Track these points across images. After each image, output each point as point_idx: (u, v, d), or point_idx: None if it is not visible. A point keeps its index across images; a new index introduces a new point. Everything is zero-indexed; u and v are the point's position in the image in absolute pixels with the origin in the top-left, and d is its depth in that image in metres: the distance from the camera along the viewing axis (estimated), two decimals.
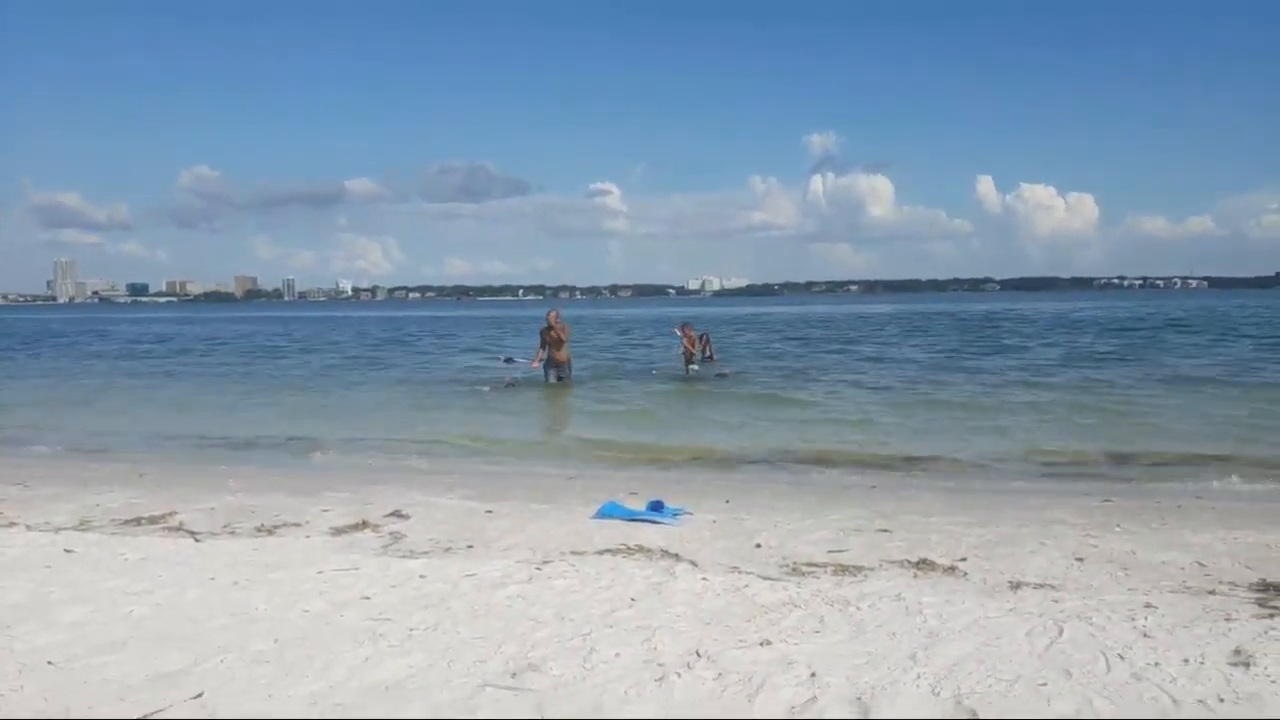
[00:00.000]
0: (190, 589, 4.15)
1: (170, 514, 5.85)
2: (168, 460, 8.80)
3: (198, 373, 19.91)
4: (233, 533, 5.40)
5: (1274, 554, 4.71)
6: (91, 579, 4.31)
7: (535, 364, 14.72)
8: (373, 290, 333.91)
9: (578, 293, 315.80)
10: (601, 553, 4.79)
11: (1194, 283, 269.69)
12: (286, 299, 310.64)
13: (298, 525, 5.58)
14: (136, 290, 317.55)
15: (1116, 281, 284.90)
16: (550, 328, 14.59)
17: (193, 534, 5.35)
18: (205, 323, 58.40)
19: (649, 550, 4.83)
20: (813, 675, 3.09)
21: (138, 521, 5.67)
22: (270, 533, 5.39)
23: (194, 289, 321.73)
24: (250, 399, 14.49)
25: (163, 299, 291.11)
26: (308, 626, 3.64)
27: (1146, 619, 3.61)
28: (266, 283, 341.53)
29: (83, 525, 5.57)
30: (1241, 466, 7.79)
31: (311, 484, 7.16)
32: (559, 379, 14.57)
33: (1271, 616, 3.62)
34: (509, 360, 16.45)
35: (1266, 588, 4.04)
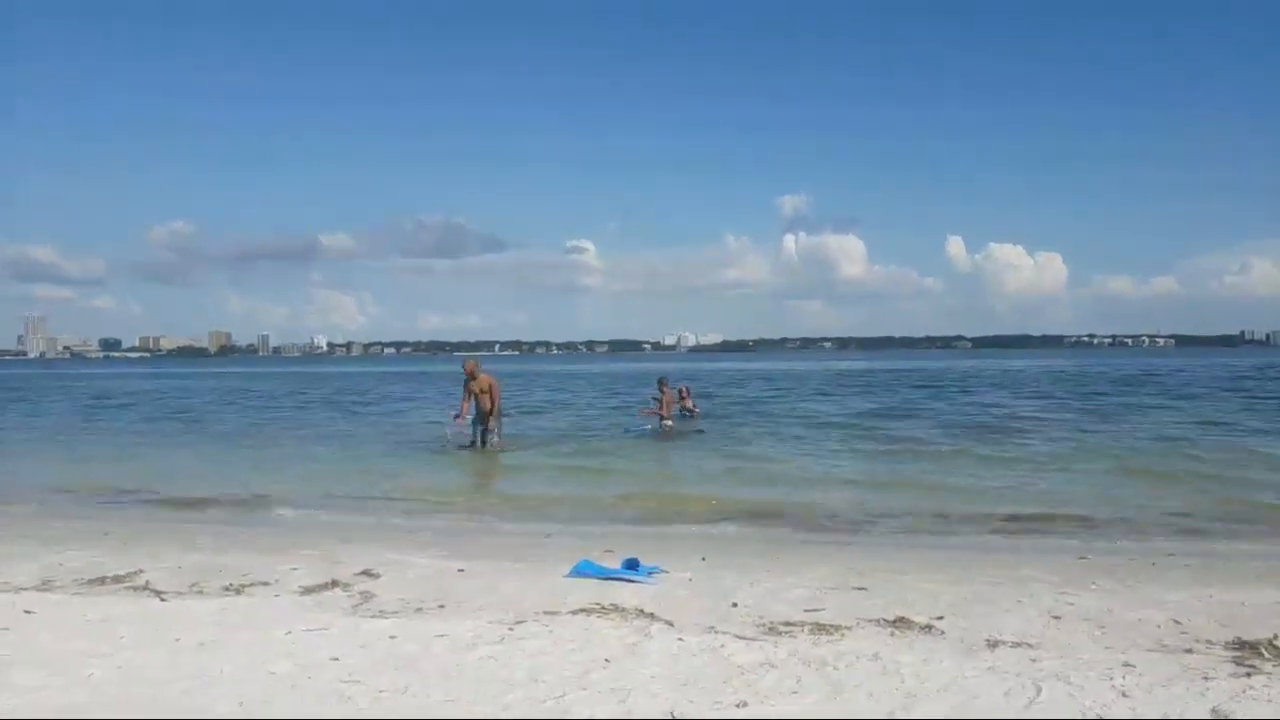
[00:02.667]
0: (154, 651, 4.04)
1: (136, 572, 5.71)
2: (133, 518, 8.62)
3: (160, 428, 19.62)
4: (200, 592, 5.28)
5: (1248, 611, 4.73)
6: (51, 641, 4.19)
7: (460, 420, 13.13)
8: (348, 345, 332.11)
9: (554, 348, 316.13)
10: (575, 612, 4.72)
11: (1161, 340, 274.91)
12: (261, 354, 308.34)
13: (266, 584, 5.46)
14: (109, 345, 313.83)
15: (1087, 339, 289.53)
16: (471, 378, 12.88)
17: (158, 593, 5.22)
18: (172, 377, 57.75)
19: (624, 610, 4.77)
20: None
21: (102, 581, 5.52)
22: (239, 592, 5.27)
23: (167, 344, 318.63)
24: (210, 454, 14.29)
25: (135, 354, 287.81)
26: (274, 689, 3.54)
27: (1125, 678, 3.60)
28: (241, 338, 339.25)
29: (45, 585, 5.42)
30: (1213, 523, 7.87)
31: (281, 541, 7.03)
32: (484, 442, 12.90)
33: (1249, 675, 3.63)
34: (457, 416, 14.39)
35: (1242, 646, 4.05)
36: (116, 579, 5.56)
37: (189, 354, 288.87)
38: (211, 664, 3.85)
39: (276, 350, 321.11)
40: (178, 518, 8.70)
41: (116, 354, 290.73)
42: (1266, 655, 3.90)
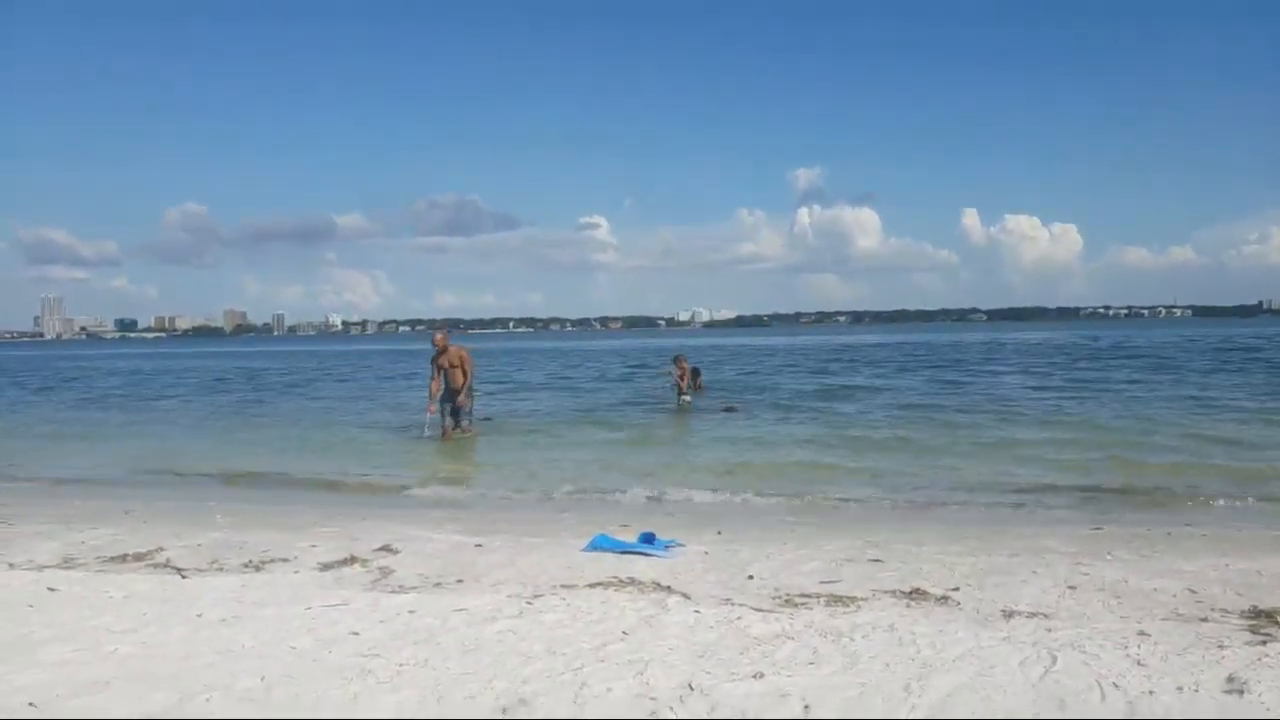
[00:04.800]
0: (176, 627, 4.10)
1: (156, 550, 5.79)
2: (153, 496, 8.72)
3: (172, 409, 19.80)
4: (220, 569, 5.34)
5: (1264, 580, 4.71)
6: (75, 617, 4.25)
7: (433, 407, 12.01)
8: (363, 324, 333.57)
9: (568, 324, 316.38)
10: (593, 586, 4.76)
11: (1178, 311, 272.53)
12: (276, 333, 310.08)
13: (286, 561, 5.52)
14: (124, 326, 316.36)
15: (1102, 310, 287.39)
16: (441, 352, 11.74)
17: (179, 570, 5.29)
18: (186, 357, 58.20)
19: (641, 583, 4.80)
20: (806, 707, 3.06)
21: (123, 559, 5.59)
22: (258, 569, 5.33)
23: (183, 324, 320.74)
24: (226, 433, 14.41)
25: (151, 335, 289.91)
26: (295, 664, 3.59)
27: (1140, 647, 3.60)
28: (256, 317, 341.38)
29: (67, 563, 5.50)
30: (1230, 493, 7.82)
31: (300, 519, 7.09)
32: (455, 425, 11.77)
33: (1264, 643, 3.62)
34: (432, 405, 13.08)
35: (1258, 614, 4.04)
36: (138, 556, 5.64)
37: (204, 333, 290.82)
38: (233, 639, 3.91)
39: (292, 329, 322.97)
40: (197, 495, 8.78)
41: (133, 334, 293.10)
42: None
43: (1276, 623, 3.91)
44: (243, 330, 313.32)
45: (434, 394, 11.97)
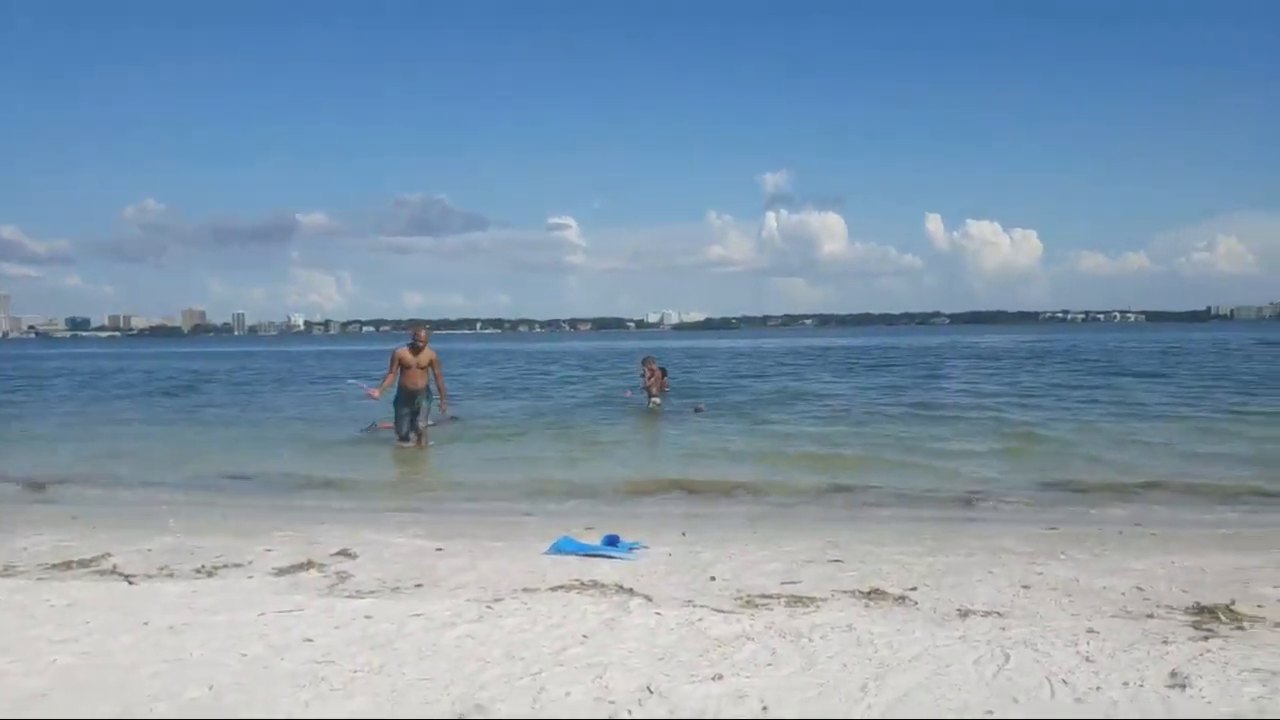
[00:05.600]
0: (121, 635, 3.99)
1: (103, 556, 5.63)
2: (101, 500, 8.52)
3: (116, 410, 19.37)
4: (170, 575, 5.22)
5: (1208, 578, 4.82)
6: (13, 627, 4.13)
7: (377, 393, 11.35)
8: (325, 324, 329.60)
9: (537, 326, 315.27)
10: (554, 589, 4.73)
11: (1132, 316, 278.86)
12: (237, 333, 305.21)
13: (240, 566, 5.42)
14: (76, 325, 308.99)
15: (1061, 315, 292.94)
16: (416, 350, 11.03)
17: (127, 577, 5.16)
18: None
19: (603, 586, 4.78)
20: (764, 708, 3.06)
21: (67, 565, 5.44)
22: (210, 574, 5.23)
23: (139, 323, 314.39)
24: (181, 436, 14.14)
25: (105, 334, 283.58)
26: (246, 671, 3.52)
27: (1089, 644, 3.65)
28: (216, 317, 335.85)
29: (6, 571, 5.33)
30: (1176, 493, 8.01)
31: (256, 524, 6.97)
32: (416, 434, 11.11)
33: (1206, 639, 3.70)
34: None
35: (1201, 610, 4.12)
36: (83, 563, 5.49)
37: (162, 333, 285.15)
38: (181, 647, 3.82)
39: (253, 329, 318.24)
40: (148, 500, 8.60)
41: (85, 333, 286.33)
42: (1224, 619, 3.98)
43: (1219, 619, 4.00)
44: (201, 330, 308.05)
45: (386, 384, 11.23)
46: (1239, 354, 35.04)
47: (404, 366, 11.03)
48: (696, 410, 15.33)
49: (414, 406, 11.12)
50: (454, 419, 13.63)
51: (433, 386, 11.33)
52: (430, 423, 11.53)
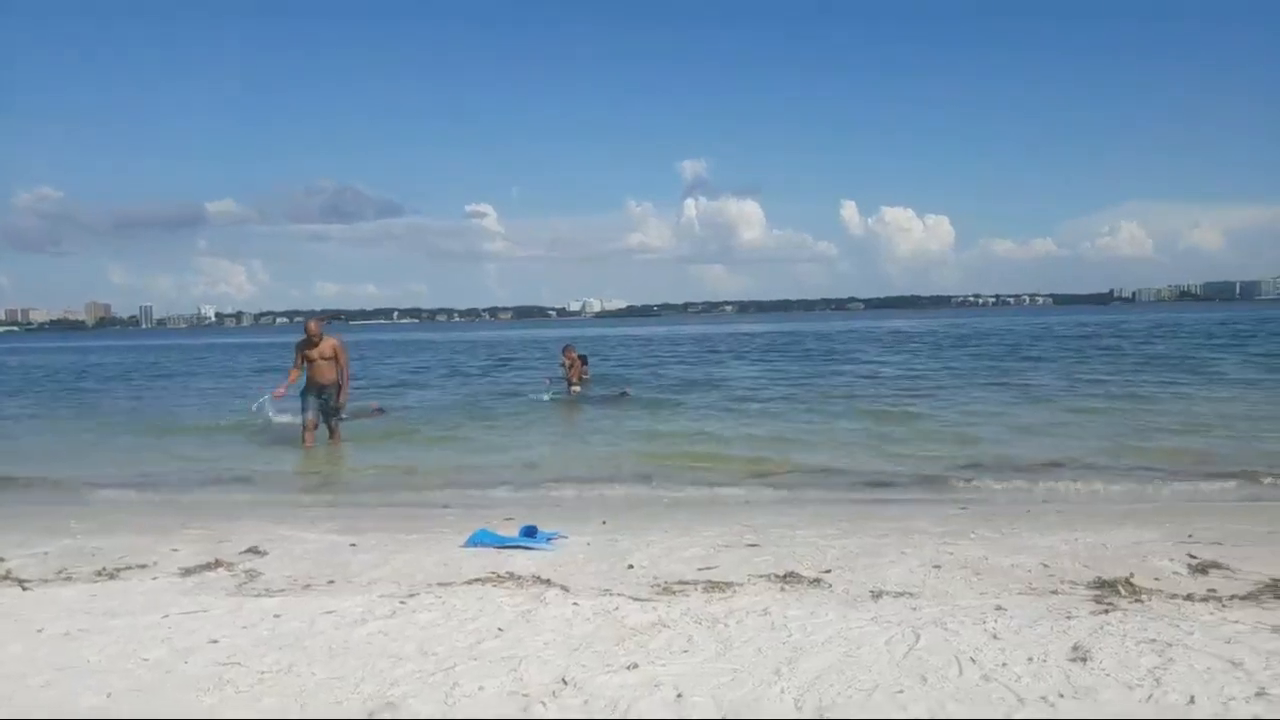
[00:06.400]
0: (10, 644, 3.78)
1: None
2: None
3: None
4: (68, 578, 4.97)
5: (1109, 553, 5.03)
6: None
7: (282, 389, 11.22)
8: (237, 315, 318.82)
9: (456, 315, 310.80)
10: (470, 582, 4.66)
11: (1040, 299, 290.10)
12: (144, 326, 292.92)
13: (143, 567, 5.20)
14: None
15: (973, 299, 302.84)
16: (312, 343, 10.79)
17: (20, 582, 4.90)
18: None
19: (520, 577, 4.73)
20: (679, 696, 3.08)
21: None
22: (112, 576, 5.00)
23: (38, 317, 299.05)
24: (83, 434, 13.52)
25: (1, 328, 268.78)
26: (146, 677, 3.37)
27: (996, 621, 3.78)
28: (122, 310, 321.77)
29: None
30: (1080, 471, 8.36)
31: (163, 522, 6.70)
32: (327, 426, 10.89)
33: (1106, 612, 3.86)
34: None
35: (1102, 585, 4.31)
36: None
37: (64, 327, 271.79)
38: (77, 654, 3.64)
39: (161, 322, 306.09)
40: (47, 500, 8.19)
41: None
42: (1123, 592, 4.16)
43: (1118, 592, 4.18)
44: (107, 323, 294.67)
45: (291, 380, 11.04)
46: (1137, 337, 36.75)
47: (308, 360, 10.88)
48: (623, 394, 15.38)
49: (322, 398, 10.91)
50: (380, 411, 13.39)
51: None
52: (344, 416, 11.34)
